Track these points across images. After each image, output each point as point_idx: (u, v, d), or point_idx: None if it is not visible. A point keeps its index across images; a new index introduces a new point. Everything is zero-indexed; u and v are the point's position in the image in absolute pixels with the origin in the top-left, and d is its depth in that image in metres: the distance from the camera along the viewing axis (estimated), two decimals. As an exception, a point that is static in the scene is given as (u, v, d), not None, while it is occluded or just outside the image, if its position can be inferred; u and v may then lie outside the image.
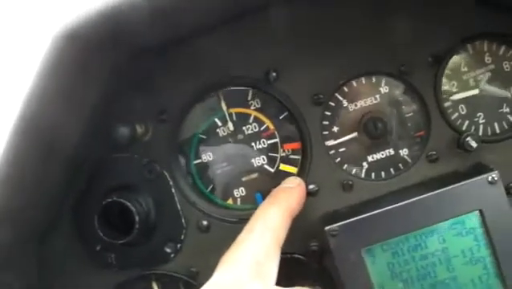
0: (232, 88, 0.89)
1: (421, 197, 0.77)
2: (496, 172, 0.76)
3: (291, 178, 0.85)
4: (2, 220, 0.70)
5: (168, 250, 0.89)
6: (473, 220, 0.76)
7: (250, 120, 0.89)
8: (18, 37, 0.64)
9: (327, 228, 0.77)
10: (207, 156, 0.90)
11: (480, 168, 0.81)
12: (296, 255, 0.88)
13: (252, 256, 0.67)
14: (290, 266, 0.87)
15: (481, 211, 0.76)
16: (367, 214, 0.77)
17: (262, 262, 0.68)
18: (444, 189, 0.77)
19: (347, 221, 0.77)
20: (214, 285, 0.64)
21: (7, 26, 0.65)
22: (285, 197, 0.79)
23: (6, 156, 0.64)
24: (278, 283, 0.68)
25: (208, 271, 0.66)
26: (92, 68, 0.74)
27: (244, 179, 0.90)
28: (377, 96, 0.88)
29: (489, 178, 0.76)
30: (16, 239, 0.79)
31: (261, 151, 0.90)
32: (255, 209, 0.76)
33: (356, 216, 0.77)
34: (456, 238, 0.77)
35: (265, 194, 0.84)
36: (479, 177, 0.77)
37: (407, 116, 0.88)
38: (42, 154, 0.73)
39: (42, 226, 0.88)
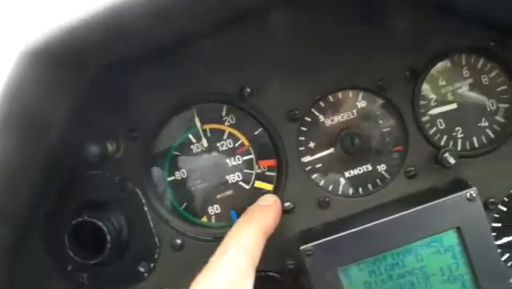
0: (206, 104, 0.87)
1: (399, 214, 0.75)
2: (474, 188, 0.75)
3: (267, 196, 0.84)
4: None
5: (142, 269, 0.87)
6: (451, 237, 0.75)
7: (225, 136, 0.87)
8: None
9: (302, 247, 0.75)
10: (181, 173, 0.88)
11: (458, 185, 0.81)
12: (271, 273, 0.86)
13: (225, 278, 0.66)
14: (266, 285, 0.86)
15: (458, 228, 0.75)
16: (343, 233, 0.75)
17: (235, 284, 0.66)
18: (422, 206, 0.75)
19: (323, 240, 0.75)
20: None
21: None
22: (260, 215, 0.77)
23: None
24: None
25: None
26: (61, 85, 0.72)
27: (219, 196, 0.88)
28: (354, 111, 0.86)
29: (468, 195, 0.75)
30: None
31: (236, 167, 0.88)
32: (230, 226, 0.74)
33: (332, 234, 0.76)
34: (434, 256, 0.76)
35: (240, 212, 0.81)
36: (457, 194, 0.76)
37: (384, 130, 0.87)
38: (10, 172, 0.71)
39: (12, 245, 0.86)
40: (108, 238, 0.82)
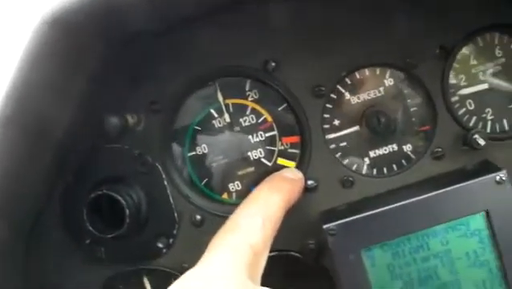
0: (229, 78, 0.85)
1: (424, 196, 0.73)
2: (504, 171, 0.73)
3: (292, 169, 0.82)
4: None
5: (161, 245, 0.86)
6: (478, 221, 0.73)
7: (248, 112, 0.85)
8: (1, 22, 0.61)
9: (325, 226, 0.74)
10: (202, 148, 0.87)
11: (487, 167, 0.78)
12: (292, 253, 0.85)
13: (250, 246, 0.63)
14: (286, 264, 0.85)
15: (487, 212, 0.72)
16: (367, 213, 0.74)
17: (259, 254, 0.63)
18: (449, 188, 0.73)
19: (346, 219, 0.74)
20: (202, 275, 0.59)
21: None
22: (287, 188, 0.75)
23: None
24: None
25: None
26: (81, 56, 0.71)
27: (240, 173, 0.87)
28: (381, 89, 0.84)
29: (497, 178, 0.73)
30: (2, 230, 0.77)
31: (258, 144, 0.86)
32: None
33: (356, 214, 0.74)
34: (460, 239, 0.74)
35: (262, 189, 0.80)
36: (486, 177, 0.73)
37: (412, 110, 0.84)
38: (29, 141, 0.70)
39: (30, 218, 0.86)
40: (127, 212, 0.81)
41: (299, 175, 0.80)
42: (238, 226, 0.66)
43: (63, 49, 0.66)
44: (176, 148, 0.87)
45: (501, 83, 0.84)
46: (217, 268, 0.60)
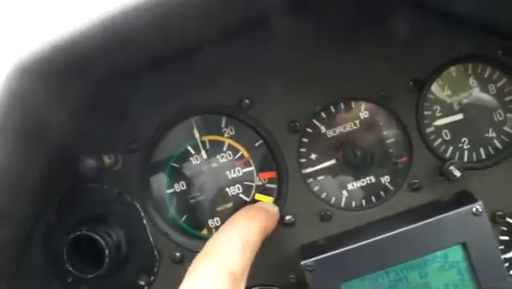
0: (205, 115, 0.86)
1: (402, 229, 0.73)
2: (480, 202, 0.73)
3: (269, 203, 0.83)
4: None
5: (142, 283, 0.86)
6: (456, 253, 0.73)
7: (224, 148, 0.86)
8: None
9: (302, 263, 0.74)
10: (180, 185, 0.87)
11: (464, 198, 0.78)
12: (274, 287, 0.85)
13: (230, 273, 0.61)
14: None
15: (464, 244, 0.72)
16: (346, 248, 0.74)
17: (238, 280, 0.62)
18: (427, 221, 0.73)
19: (324, 255, 0.74)
20: None
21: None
22: (264, 216, 0.75)
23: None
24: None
25: None
26: (55, 99, 0.71)
27: (219, 209, 0.87)
28: (357, 122, 0.84)
29: (474, 209, 0.73)
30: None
31: (236, 180, 0.86)
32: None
33: (334, 249, 0.74)
34: (438, 272, 0.74)
35: (240, 225, 0.80)
36: (463, 208, 0.74)
37: (388, 141, 0.85)
38: (9, 182, 0.70)
39: (13, 256, 0.85)
40: (107, 252, 0.81)
41: (275, 209, 0.80)
42: (217, 251, 0.64)
43: (37, 95, 0.66)
44: (154, 185, 0.88)
45: (482, 96, 0.84)
46: None
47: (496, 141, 0.84)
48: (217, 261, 0.62)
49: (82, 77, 0.72)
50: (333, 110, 0.84)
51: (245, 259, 0.65)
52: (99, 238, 0.81)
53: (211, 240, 0.67)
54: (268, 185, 0.86)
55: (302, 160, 0.85)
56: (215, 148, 0.86)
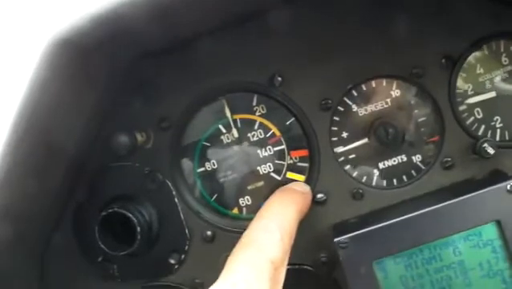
0: (236, 93, 0.85)
1: (436, 206, 0.73)
2: (514, 180, 0.72)
3: (301, 183, 0.83)
4: (4, 221, 0.68)
5: (172, 261, 0.87)
6: (490, 231, 0.72)
7: (256, 127, 0.86)
8: (11, 44, 0.62)
9: (336, 240, 0.73)
10: (211, 164, 0.87)
11: (497, 176, 0.78)
12: (305, 266, 0.85)
13: (271, 262, 0.62)
14: (299, 278, 0.85)
15: (498, 222, 0.72)
16: (379, 225, 0.73)
17: (279, 269, 0.63)
18: (460, 198, 0.73)
19: (358, 232, 0.74)
20: None
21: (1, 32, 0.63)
22: (298, 199, 0.75)
23: (6, 160, 0.62)
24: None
25: (212, 282, 0.62)
26: (90, 76, 0.72)
27: (250, 187, 0.87)
28: (388, 100, 0.84)
29: (508, 187, 0.72)
30: (17, 246, 0.77)
31: (267, 158, 0.86)
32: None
33: (367, 227, 0.74)
34: (473, 249, 0.73)
35: (271, 203, 0.80)
36: (497, 186, 0.73)
37: (420, 120, 0.84)
38: (41, 161, 0.71)
39: (43, 239, 0.86)
40: (138, 229, 0.81)
41: (307, 188, 0.81)
42: (256, 242, 0.65)
43: (73, 70, 0.66)
44: (185, 164, 0.88)
45: (507, 87, 0.83)
46: (241, 287, 0.59)
47: (529, 119, 0.84)
48: (258, 251, 0.63)
49: (118, 53, 0.73)
50: (364, 88, 0.84)
51: (285, 248, 0.66)
52: (130, 215, 0.81)
53: (248, 230, 0.68)
54: (299, 164, 0.86)
55: (334, 139, 0.84)
56: (246, 127, 0.86)
